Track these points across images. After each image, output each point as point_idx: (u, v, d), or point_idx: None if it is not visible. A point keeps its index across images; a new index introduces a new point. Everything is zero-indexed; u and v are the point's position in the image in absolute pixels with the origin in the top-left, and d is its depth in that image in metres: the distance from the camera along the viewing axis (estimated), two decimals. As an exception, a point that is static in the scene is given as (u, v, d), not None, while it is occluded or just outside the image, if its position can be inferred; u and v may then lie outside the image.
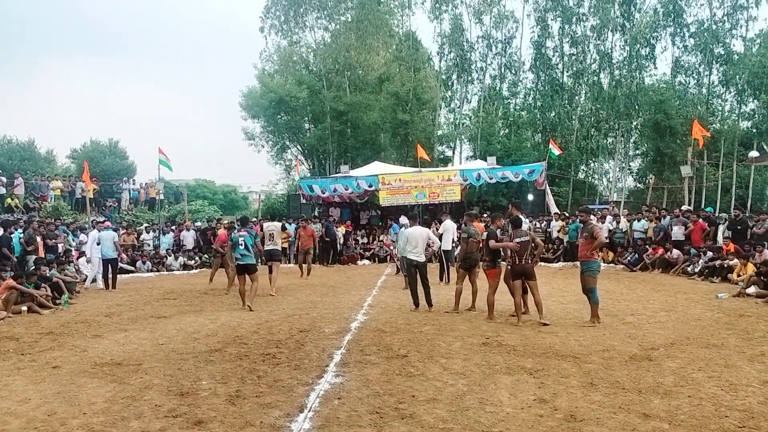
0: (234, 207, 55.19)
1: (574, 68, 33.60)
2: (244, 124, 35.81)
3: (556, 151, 25.34)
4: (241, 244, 10.99)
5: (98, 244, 14.91)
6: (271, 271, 13.34)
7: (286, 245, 19.76)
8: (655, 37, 31.72)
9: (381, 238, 23.27)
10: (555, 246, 20.06)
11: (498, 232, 9.55)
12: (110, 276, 14.76)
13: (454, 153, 36.21)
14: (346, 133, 33.33)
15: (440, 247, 13.40)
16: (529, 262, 8.99)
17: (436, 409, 5.02)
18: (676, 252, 16.27)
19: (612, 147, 33.85)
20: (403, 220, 14.97)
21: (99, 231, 15.27)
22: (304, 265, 17.12)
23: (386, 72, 32.96)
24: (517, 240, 9.00)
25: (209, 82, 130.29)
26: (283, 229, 14.26)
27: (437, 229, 15.88)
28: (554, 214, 21.74)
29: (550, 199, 24.28)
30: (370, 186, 24.19)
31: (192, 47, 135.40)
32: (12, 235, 15.53)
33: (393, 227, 18.71)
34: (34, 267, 13.00)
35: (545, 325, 8.58)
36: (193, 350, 7.37)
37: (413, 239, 10.36)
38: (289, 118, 33.55)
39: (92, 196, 24.41)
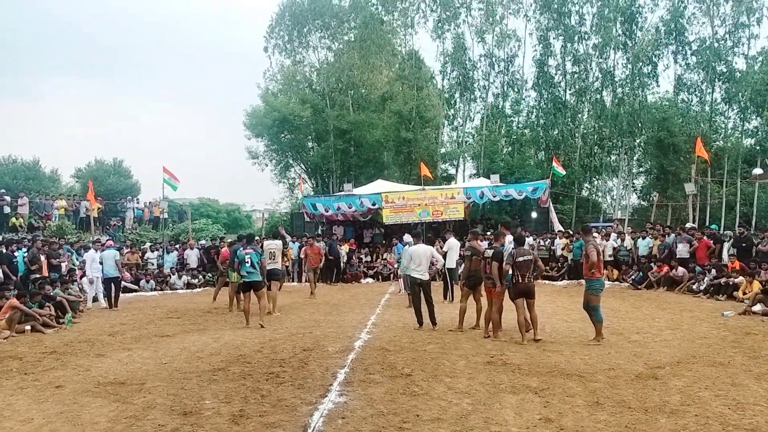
0: (237, 225, 55.30)
1: (577, 86, 33.72)
2: (248, 143, 35.94)
3: (561, 171, 25.38)
4: (248, 262, 11.01)
5: (100, 263, 14.94)
6: (269, 289, 13.31)
7: (288, 264, 19.75)
8: (657, 55, 31.84)
9: (384, 257, 23.25)
10: (559, 264, 20.03)
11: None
12: (113, 295, 14.79)
13: (457, 171, 36.30)
14: (350, 151, 33.47)
15: (444, 265, 13.39)
16: (532, 281, 9.03)
17: (440, 428, 4.99)
18: (681, 270, 16.22)
19: (615, 164, 33.85)
20: (407, 238, 14.97)
21: (96, 251, 15.33)
22: (312, 283, 17.21)
23: (389, 91, 33.18)
24: (520, 258, 9.00)
25: (213, 101, 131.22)
26: (284, 245, 14.25)
27: (441, 247, 15.90)
28: (558, 231, 21.73)
29: (554, 217, 24.28)
30: (374, 204, 24.23)
31: (196, 67, 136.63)
32: (16, 255, 15.58)
33: (397, 246, 18.69)
34: (37, 286, 13.01)
35: (537, 340, 8.73)
36: (197, 369, 7.37)
37: (417, 257, 10.36)
38: (292, 137, 33.73)
39: (96, 215, 24.53)
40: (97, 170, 41.34)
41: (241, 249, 11.36)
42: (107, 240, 19.30)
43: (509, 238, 10.48)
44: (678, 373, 6.74)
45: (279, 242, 14.26)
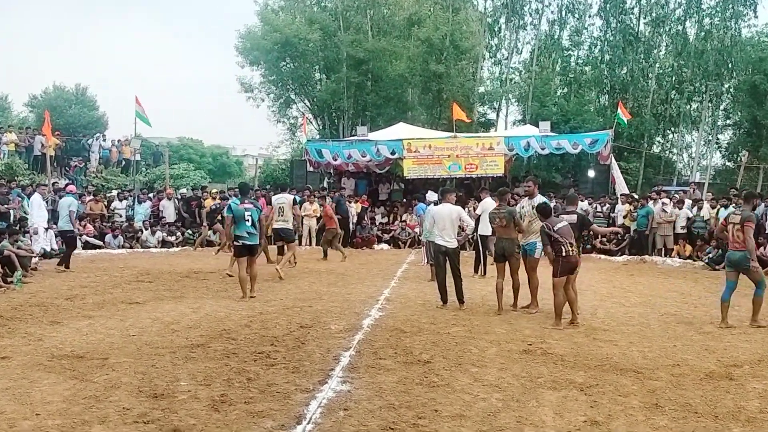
0: (225, 173, 55.65)
1: (654, 14, 33.08)
2: (241, 73, 35.95)
3: (626, 118, 25.03)
4: (247, 220, 10.86)
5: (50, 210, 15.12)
6: (281, 252, 13.47)
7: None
8: (759, -24, 31.12)
9: (404, 218, 23.27)
10: (619, 236, 19.92)
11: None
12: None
13: (498, 115, 36.06)
14: (366, 86, 33.25)
15: (476, 232, 13.37)
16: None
17: (463, 427, 5.04)
18: (771, 248, 16.06)
19: (697, 115, 33.39)
20: (431, 196, 14.96)
21: (44, 196, 15.46)
22: (329, 248, 17.52)
23: (417, 12, 32.70)
24: (562, 224, 9.09)
25: (199, 18, 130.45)
26: (295, 203, 14.41)
27: (474, 209, 15.86)
28: (621, 195, 21.56)
29: (618, 177, 24.02)
30: (393, 153, 24.15)
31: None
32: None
33: (418, 207, 18.65)
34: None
35: (573, 325, 8.90)
36: (171, 344, 7.47)
37: (441, 220, 10.31)
38: (296, 66, 33.51)
39: (54, 153, 24.66)
40: (55, 99, 41.56)
41: (237, 203, 11.12)
42: (68, 184, 19.48)
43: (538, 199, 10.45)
44: (759, 374, 6.71)
45: (289, 196, 14.50)
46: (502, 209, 10.26)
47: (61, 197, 15.53)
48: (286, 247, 13.82)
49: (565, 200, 9.62)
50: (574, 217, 9.72)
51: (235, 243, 11.10)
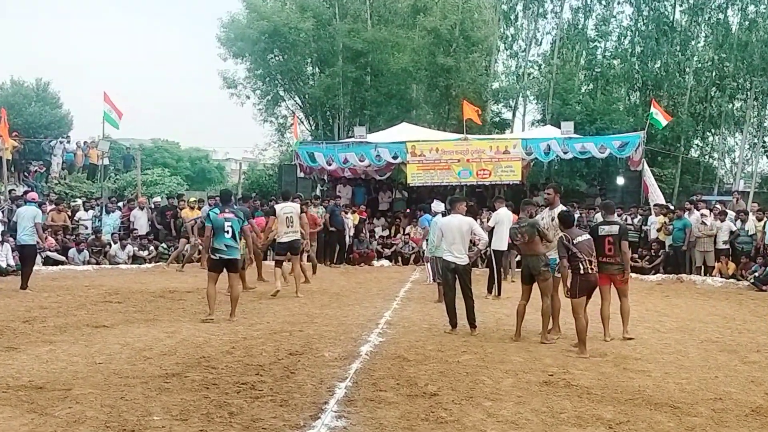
0: (205, 180, 55.76)
1: (691, 1, 33.14)
2: (223, 66, 35.92)
3: (662, 120, 25.03)
4: (227, 231, 10.91)
5: (5, 221, 15.12)
6: (279, 265, 14.14)
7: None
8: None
9: (407, 231, 23.30)
10: (652, 251, 19.90)
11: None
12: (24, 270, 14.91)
13: (514, 115, 36.04)
14: (365, 81, 33.29)
15: (489, 246, 13.39)
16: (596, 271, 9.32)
17: (475, 469, 5.03)
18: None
19: (740, 114, 33.40)
20: (437, 206, 14.99)
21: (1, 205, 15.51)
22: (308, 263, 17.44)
23: (423, -1, 32.81)
24: (582, 238, 9.22)
25: (176, 5, 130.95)
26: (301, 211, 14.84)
27: (487, 221, 15.88)
28: (654, 206, 21.55)
29: (651, 185, 23.99)
30: (395, 157, 24.18)
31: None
32: None
33: (423, 218, 18.68)
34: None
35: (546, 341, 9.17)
36: (143, 373, 7.47)
37: (450, 233, 10.31)
38: (285, 59, 33.53)
39: (11, 157, 24.70)
40: (13, 95, 41.57)
41: (217, 212, 11.16)
42: (26, 192, 19.48)
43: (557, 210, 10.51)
44: (812, 410, 6.71)
45: (296, 205, 14.77)
46: (523, 223, 10.23)
47: (19, 206, 15.55)
48: (293, 261, 14.29)
49: (603, 209, 9.68)
50: (615, 229, 9.80)
51: (211, 256, 11.12)
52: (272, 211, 14.48)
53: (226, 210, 11.18)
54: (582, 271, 9.08)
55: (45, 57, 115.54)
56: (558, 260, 9.55)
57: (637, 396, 7.00)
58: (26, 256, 15.01)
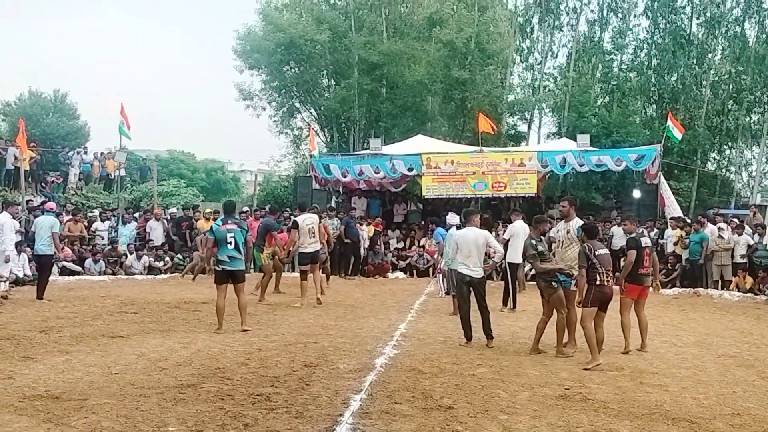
0: (220, 191, 55.95)
1: (708, 13, 33.09)
2: (239, 78, 35.94)
3: (678, 133, 24.94)
4: (230, 243, 10.99)
5: (23, 232, 15.20)
6: (305, 278, 14.42)
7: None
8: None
9: (422, 243, 23.28)
10: (669, 265, 19.80)
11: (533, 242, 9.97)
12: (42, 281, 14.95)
13: (530, 128, 36.06)
14: (380, 94, 33.38)
15: (504, 259, 13.36)
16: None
17: (490, 483, 5.01)
18: None
19: (757, 128, 33.26)
20: (452, 219, 14.99)
21: (15, 216, 15.58)
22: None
23: (439, 11, 32.82)
24: (603, 251, 9.28)
25: (193, 18, 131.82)
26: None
27: (502, 233, 15.85)
28: (671, 219, 21.45)
29: (669, 198, 23.89)
30: (410, 169, 24.18)
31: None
32: None
33: (436, 232, 18.65)
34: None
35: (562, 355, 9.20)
36: (158, 384, 7.48)
37: (465, 246, 10.32)
38: (301, 71, 33.71)
39: (28, 167, 24.86)
40: (31, 106, 41.80)
41: (220, 224, 11.25)
42: (44, 202, 19.58)
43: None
44: (832, 426, 6.65)
45: (315, 216, 15.13)
46: (540, 244, 10.11)
47: (37, 216, 15.63)
48: (314, 271, 14.63)
49: (630, 222, 9.80)
50: (648, 240, 10.00)
51: (215, 268, 11.24)
52: (294, 225, 14.66)
53: (229, 221, 11.25)
54: (598, 282, 9.15)
55: (63, 67, 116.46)
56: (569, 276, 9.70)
57: (654, 411, 6.95)
58: (43, 266, 15.07)
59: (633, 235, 10.13)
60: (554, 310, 9.97)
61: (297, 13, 33.89)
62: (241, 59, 33.82)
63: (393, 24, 33.70)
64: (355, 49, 31.98)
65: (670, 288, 19.00)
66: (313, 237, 14.50)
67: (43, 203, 19.39)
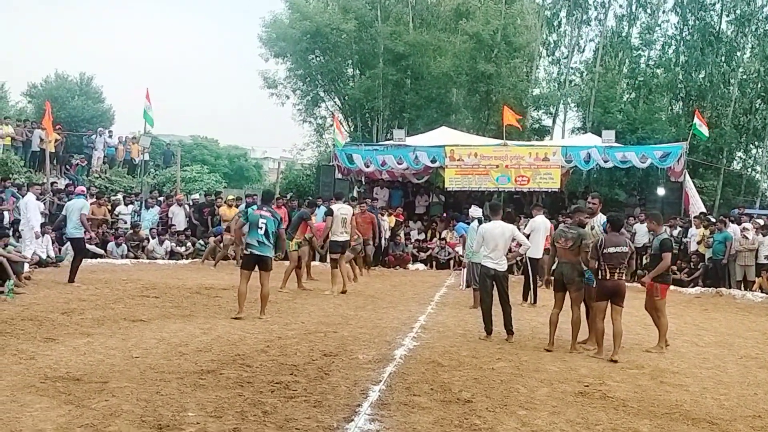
0: (242, 177, 56.16)
1: (738, 11, 32.78)
2: (264, 66, 36.12)
3: (705, 131, 24.74)
4: (261, 228, 11.03)
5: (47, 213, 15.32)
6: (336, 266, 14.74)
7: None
8: None
9: (443, 235, 23.25)
10: (692, 264, 19.65)
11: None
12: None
13: (554, 122, 35.89)
14: (405, 84, 33.35)
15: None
16: (623, 279, 9.45)
17: (508, 478, 5.00)
18: None
19: (785, 127, 32.95)
20: (475, 212, 14.96)
21: (37, 197, 15.72)
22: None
23: (466, 3, 32.73)
24: (612, 249, 9.27)
25: (219, 4, 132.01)
26: (330, 213, 15.49)
27: (523, 228, 15.80)
28: (694, 218, 21.29)
29: (693, 196, 23.73)
30: (433, 161, 24.15)
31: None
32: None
33: (458, 227, 18.57)
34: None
35: (614, 362, 8.99)
36: (178, 369, 7.52)
37: (492, 239, 10.30)
38: (326, 59, 33.74)
39: (54, 150, 25.03)
40: (57, 88, 42.21)
41: (254, 209, 11.50)
42: (69, 185, 19.69)
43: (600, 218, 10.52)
44: None
45: (349, 208, 15.56)
46: (572, 230, 10.05)
47: (70, 199, 15.70)
48: (339, 258, 14.83)
49: (610, 224, 9.72)
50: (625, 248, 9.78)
51: (244, 252, 11.36)
52: (330, 212, 15.04)
53: (264, 208, 11.39)
54: (599, 277, 9.37)
55: (89, 50, 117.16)
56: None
57: (674, 410, 6.91)
58: (75, 249, 15.07)
59: (667, 236, 10.29)
60: (573, 306, 9.98)
61: (323, 1, 33.90)
62: (267, 47, 33.92)
63: (420, 15, 33.66)
64: (381, 39, 31.98)
65: (693, 287, 18.90)
66: (344, 227, 14.79)
67: (69, 185, 19.50)
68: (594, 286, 9.72)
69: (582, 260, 9.74)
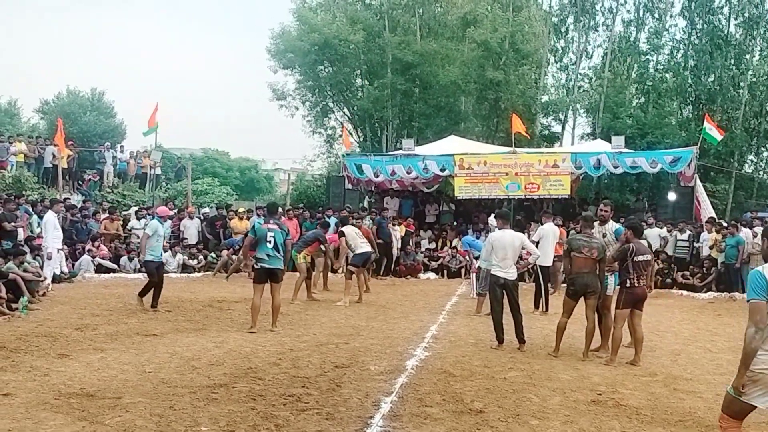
0: (254, 189, 56.27)
1: (746, 14, 32.71)
2: (273, 78, 36.18)
3: (717, 135, 24.63)
4: (269, 242, 11.10)
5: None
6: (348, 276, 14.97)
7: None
8: None
9: (454, 244, 23.23)
10: (704, 269, 19.55)
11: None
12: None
13: (564, 128, 35.85)
14: (413, 94, 33.37)
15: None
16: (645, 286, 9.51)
17: (521, 489, 4.99)
18: None
19: (797, 130, 32.83)
20: (494, 221, 15.00)
21: (56, 213, 15.89)
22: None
23: (473, 11, 32.72)
24: (641, 258, 9.27)
25: (227, 18, 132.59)
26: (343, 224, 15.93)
27: (532, 236, 15.78)
28: (706, 223, 21.20)
29: (704, 201, 23.64)
30: (443, 170, 24.13)
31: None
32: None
33: (464, 239, 18.51)
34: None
35: (633, 364, 9.16)
36: (191, 383, 7.56)
37: (501, 248, 10.29)
38: (335, 70, 33.82)
39: (66, 165, 25.16)
40: (69, 104, 42.42)
41: (261, 223, 11.58)
42: (87, 201, 19.67)
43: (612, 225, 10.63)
44: None
45: (354, 228, 15.70)
46: (594, 239, 9.96)
47: (74, 215, 15.79)
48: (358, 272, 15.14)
49: (632, 231, 9.70)
50: (649, 255, 9.84)
51: (254, 266, 11.39)
52: (341, 234, 15.36)
53: (270, 221, 11.45)
54: (628, 285, 9.29)
55: (100, 66, 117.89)
56: (612, 280, 9.84)
57: (687, 418, 6.89)
58: (148, 272, 13.98)
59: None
60: (588, 313, 9.93)
61: (331, 13, 33.96)
62: (275, 59, 34.07)
63: (427, 24, 33.71)
64: (389, 49, 32.03)
65: (706, 292, 18.79)
66: (362, 238, 15.20)
67: (85, 202, 19.48)
68: (608, 293, 9.78)
69: (601, 268, 9.72)
